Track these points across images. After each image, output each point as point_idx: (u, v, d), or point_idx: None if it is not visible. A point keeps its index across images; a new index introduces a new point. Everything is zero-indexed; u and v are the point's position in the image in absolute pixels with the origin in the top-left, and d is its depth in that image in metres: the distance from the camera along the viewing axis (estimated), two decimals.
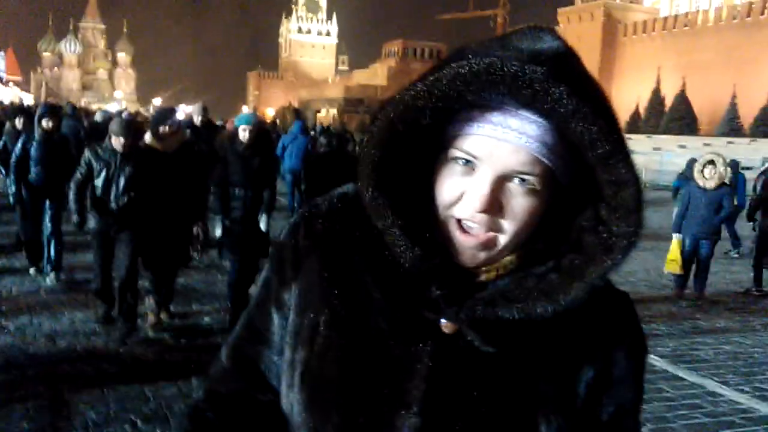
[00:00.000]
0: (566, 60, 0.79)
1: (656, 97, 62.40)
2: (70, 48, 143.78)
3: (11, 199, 7.27)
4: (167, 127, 5.51)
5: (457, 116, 0.82)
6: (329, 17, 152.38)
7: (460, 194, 0.81)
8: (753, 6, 68.46)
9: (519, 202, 0.81)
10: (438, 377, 0.84)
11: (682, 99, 57.73)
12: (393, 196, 0.84)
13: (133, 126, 5.62)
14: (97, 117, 18.90)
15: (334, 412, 0.87)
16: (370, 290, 0.88)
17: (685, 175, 12.12)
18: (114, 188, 5.24)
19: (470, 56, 0.78)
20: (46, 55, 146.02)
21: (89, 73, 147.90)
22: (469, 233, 0.82)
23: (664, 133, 53.24)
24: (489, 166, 0.80)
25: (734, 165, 12.12)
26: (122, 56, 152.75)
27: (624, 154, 0.78)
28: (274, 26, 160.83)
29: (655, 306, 7.81)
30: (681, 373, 5.47)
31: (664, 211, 12.52)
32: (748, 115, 53.96)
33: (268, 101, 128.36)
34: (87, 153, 5.37)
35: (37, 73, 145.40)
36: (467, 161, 0.81)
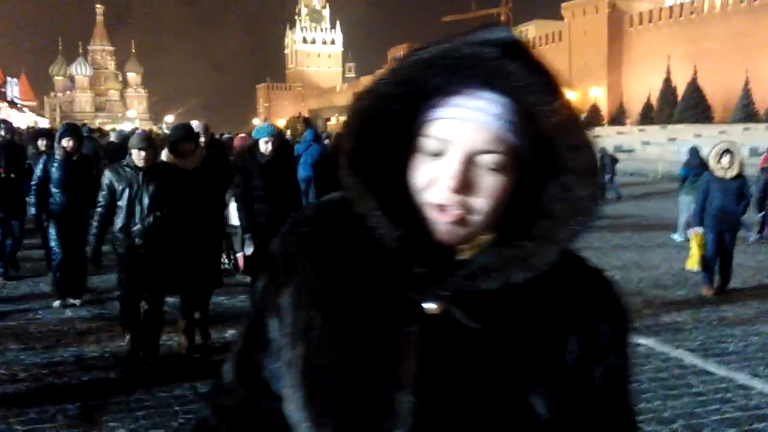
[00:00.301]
0: (516, 45, 0.85)
1: (668, 87, 61.89)
2: (80, 71, 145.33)
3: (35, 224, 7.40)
4: (187, 144, 5.36)
5: (424, 104, 0.88)
6: (333, 26, 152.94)
7: (432, 178, 0.86)
8: None
9: (488, 179, 0.85)
10: (429, 357, 0.87)
11: (694, 87, 57.24)
12: (373, 183, 0.89)
13: (152, 139, 5.49)
14: (113, 137, 19.09)
15: (333, 402, 0.90)
16: (358, 282, 0.92)
17: (690, 164, 12.20)
18: (138, 208, 5.08)
19: (431, 45, 0.86)
20: (58, 78, 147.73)
21: (101, 94, 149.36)
22: (444, 212, 0.86)
23: (678, 122, 52.79)
24: (457, 147, 0.85)
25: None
26: (132, 76, 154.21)
27: (577, 122, 0.85)
28: (279, 38, 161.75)
29: (680, 299, 7.74)
30: (710, 367, 5.41)
31: None
32: (762, 100, 53.48)
33: (278, 112, 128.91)
34: (108, 174, 5.19)
35: (50, 97, 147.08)
36: (438, 147, 0.86)
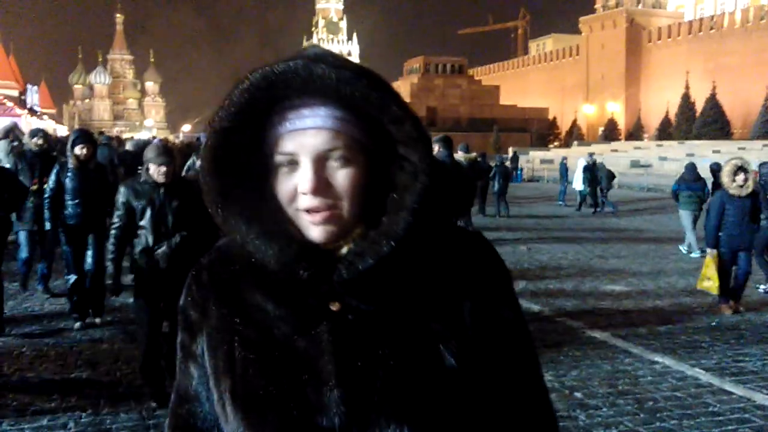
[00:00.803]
0: (323, 54, 0.95)
1: (686, 103, 61.38)
2: (99, 79, 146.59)
3: (25, 245, 7.09)
4: None
5: (266, 125, 0.97)
6: (350, 38, 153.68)
7: (294, 189, 0.95)
8: None
9: (341, 174, 0.94)
10: (342, 348, 0.95)
11: (713, 103, 56.70)
12: (243, 211, 0.97)
13: (172, 151, 4.88)
14: (129, 146, 19.18)
15: (268, 418, 0.96)
16: (264, 306, 1.00)
17: (684, 179, 12.48)
18: (163, 228, 4.53)
19: (248, 75, 0.95)
20: (77, 87, 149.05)
21: (119, 103, 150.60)
22: (313, 215, 0.95)
23: (697, 138, 52.37)
24: (304, 155, 0.93)
25: (716, 167, 12.99)
26: (150, 85, 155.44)
27: (393, 98, 0.94)
28: (296, 49, 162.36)
29: (697, 316, 7.64)
30: (727, 387, 5.33)
31: (700, 219, 12.28)
32: None
33: None
34: (123, 191, 4.57)
35: (69, 105, 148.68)
36: (290, 161, 0.95)
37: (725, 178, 7.88)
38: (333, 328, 0.96)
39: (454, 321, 0.99)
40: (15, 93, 68.19)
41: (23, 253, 7.82)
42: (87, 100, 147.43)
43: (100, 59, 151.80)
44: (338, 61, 0.94)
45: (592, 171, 20.18)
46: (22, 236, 7.74)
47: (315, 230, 0.96)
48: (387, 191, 0.97)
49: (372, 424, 0.94)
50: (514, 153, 38.28)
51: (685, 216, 12.30)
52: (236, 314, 1.01)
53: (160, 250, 4.51)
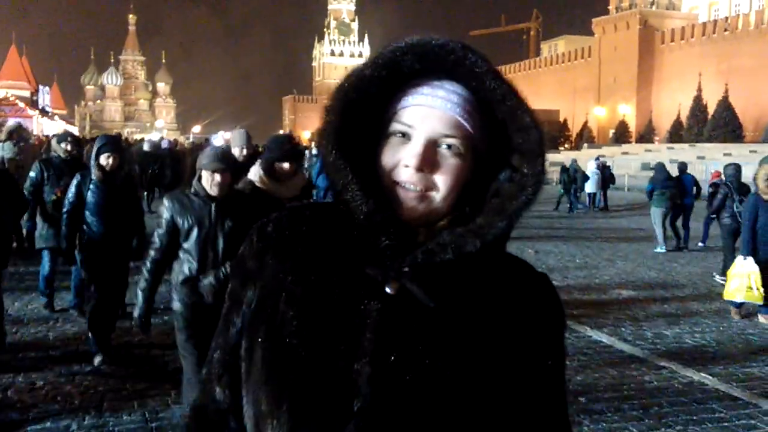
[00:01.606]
0: (473, 47, 0.99)
1: (698, 105, 60.93)
2: (111, 80, 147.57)
3: (47, 262, 6.58)
4: (288, 165, 3.95)
5: (398, 94, 1.00)
6: (361, 39, 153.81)
7: (398, 160, 0.97)
8: None
9: (448, 162, 0.97)
10: (385, 331, 0.94)
11: (725, 106, 56.24)
12: (351, 160, 0.98)
13: (229, 156, 4.01)
14: (146, 147, 19.23)
15: (291, 378, 0.95)
16: (321, 268, 0.99)
17: (656, 179, 13.28)
18: (211, 253, 3.70)
19: (407, 38, 0.99)
20: (89, 88, 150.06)
21: (130, 104, 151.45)
22: (407, 190, 0.97)
23: (708, 141, 51.97)
24: (421, 131, 0.96)
25: (682, 167, 14.12)
26: (162, 86, 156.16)
27: (527, 107, 0.98)
28: (307, 51, 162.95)
29: (704, 321, 7.58)
30: (734, 392, 5.28)
31: (714, 222, 12.20)
32: None
33: (304, 125, 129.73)
34: (168, 204, 3.75)
35: (81, 105, 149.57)
36: (404, 133, 0.98)
37: (760, 182, 7.60)
38: (383, 309, 0.95)
39: (502, 347, 0.98)
40: (27, 94, 68.61)
41: (45, 270, 7.07)
42: (98, 101, 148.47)
43: (112, 60, 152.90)
44: (487, 59, 0.98)
45: (581, 172, 21.80)
46: (45, 254, 7.02)
47: (406, 204, 0.97)
48: (482, 194, 1.00)
49: (393, 414, 0.93)
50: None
51: (656, 213, 13.10)
52: (291, 271, 1.01)
53: (205, 281, 3.67)
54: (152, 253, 3.80)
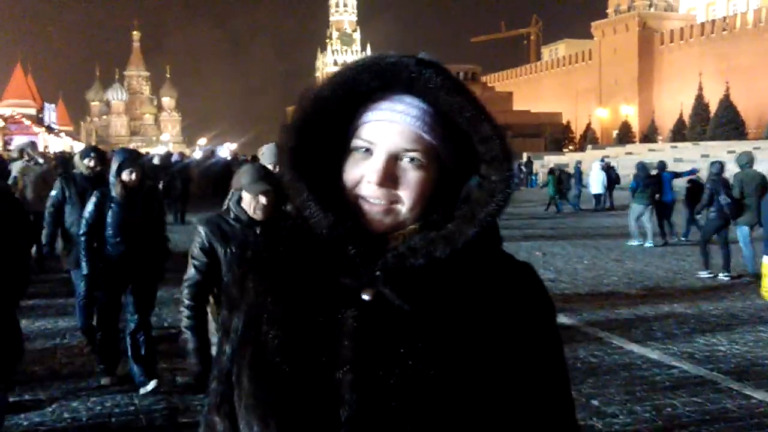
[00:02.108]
0: (433, 60, 1.00)
1: (700, 104, 60.80)
2: (116, 96, 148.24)
3: (81, 284, 5.75)
4: None
5: (357, 111, 1.00)
6: (363, 49, 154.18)
7: (361, 176, 0.98)
8: None
9: (410, 175, 0.98)
10: (364, 337, 0.95)
11: (726, 104, 56.08)
12: (309, 179, 1.00)
13: (274, 177, 3.37)
14: (156, 161, 19.34)
15: (279, 394, 0.96)
16: (297, 283, 1.01)
17: (638, 177, 14.07)
18: None
19: (362, 58, 1.01)
20: (94, 104, 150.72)
21: (136, 118, 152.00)
22: (372, 204, 0.98)
23: (711, 139, 51.77)
24: (382, 147, 0.97)
25: (661, 165, 14.84)
26: (167, 100, 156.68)
27: (486, 116, 0.98)
28: (310, 61, 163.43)
29: (714, 317, 7.54)
30: (747, 391, 5.23)
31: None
32: None
33: None
34: (204, 232, 3.36)
35: (87, 121, 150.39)
36: (366, 149, 0.98)
37: None
38: (360, 315, 0.96)
39: (487, 344, 0.98)
40: (32, 111, 68.93)
41: (80, 291, 6.18)
42: (104, 117, 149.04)
43: (117, 76, 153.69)
44: (445, 71, 0.98)
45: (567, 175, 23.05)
46: (75, 276, 6.26)
47: (371, 218, 0.98)
48: (452, 199, 1.01)
49: (382, 420, 0.93)
50: (528, 158, 38.15)
51: (636, 209, 13.87)
52: (270, 292, 1.02)
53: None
54: (189, 288, 3.33)
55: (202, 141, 73.01)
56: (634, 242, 13.78)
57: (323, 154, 1.02)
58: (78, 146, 57.40)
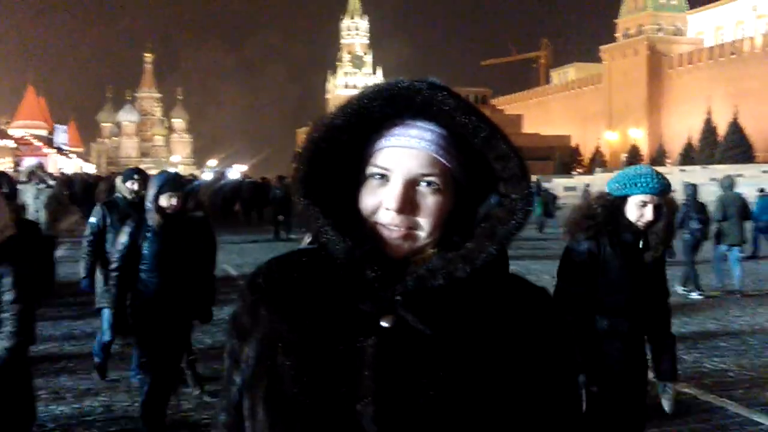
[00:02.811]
0: (442, 84, 1.00)
1: (708, 128, 60.87)
2: (127, 117, 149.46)
3: (106, 323, 5.41)
4: None
5: (371, 138, 1.00)
6: (374, 71, 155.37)
7: (379, 202, 0.98)
8: None
9: (428, 200, 0.97)
10: (385, 366, 0.93)
11: (735, 128, 56.15)
12: (324, 205, 0.99)
13: None
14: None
15: (296, 422, 0.94)
16: (314, 311, 0.98)
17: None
18: None
19: (374, 85, 1.01)
20: (105, 125, 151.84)
21: (147, 140, 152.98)
22: (391, 231, 0.97)
23: (720, 163, 51.77)
24: (398, 173, 0.97)
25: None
26: (178, 122, 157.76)
27: (501, 135, 0.98)
28: (321, 83, 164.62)
29: (723, 345, 7.49)
30: (756, 417, 5.19)
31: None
32: None
33: None
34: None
35: (97, 143, 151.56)
36: (382, 175, 0.98)
37: None
38: (380, 342, 0.94)
39: (506, 368, 0.97)
40: (44, 132, 69.62)
41: (105, 335, 5.82)
42: (115, 138, 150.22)
43: (129, 97, 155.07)
44: (455, 94, 0.99)
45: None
46: (106, 312, 5.71)
47: (391, 243, 0.98)
48: (470, 220, 1.00)
49: None
50: (537, 180, 38.16)
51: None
52: (285, 319, 1.00)
53: None
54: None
55: (213, 162, 73.52)
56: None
57: (337, 182, 1.02)
58: (88, 167, 57.77)
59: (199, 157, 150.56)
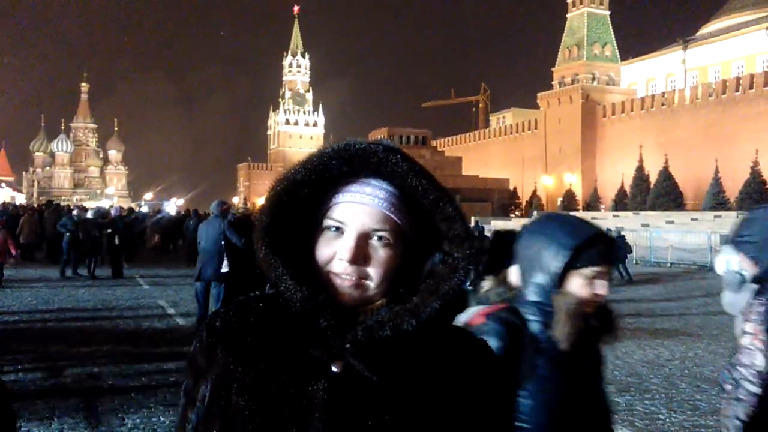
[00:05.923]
0: (397, 147, 1.09)
1: (640, 175, 63.25)
2: (61, 147, 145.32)
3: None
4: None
5: (328, 192, 1.09)
6: (315, 109, 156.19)
7: (333, 253, 1.06)
8: (727, 84, 70.45)
9: (379, 253, 1.05)
10: (334, 410, 1.00)
11: (666, 176, 58.50)
12: (283, 255, 1.07)
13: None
14: (89, 214, 19.06)
15: None
16: (268, 355, 1.05)
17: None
18: None
19: (333, 144, 1.10)
20: (38, 155, 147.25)
21: (81, 171, 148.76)
22: (343, 280, 1.05)
23: (651, 209, 53.79)
24: (352, 226, 1.05)
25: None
26: (113, 153, 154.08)
27: (449, 198, 1.07)
28: (263, 119, 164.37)
29: (653, 386, 7.70)
30: None
31: (656, 289, 12.50)
32: (732, 188, 54.84)
33: (258, 192, 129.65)
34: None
35: (29, 172, 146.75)
36: (337, 228, 1.06)
37: None
38: (330, 388, 1.01)
39: (448, 415, 1.04)
40: None
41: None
42: (47, 168, 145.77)
43: (63, 127, 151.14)
44: (409, 157, 1.08)
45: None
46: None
47: (342, 292, 1.05)
48: (416, 274, 1.09)
49: None
50: (476, 222, 38.78)
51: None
52: (240, 362, 1.06)
53: None
54: None
55: (149, 195, 72.04)
56: None
57: (296, 232, 1.09)
58: (18, 197, 55.84)
59: (135, 189, 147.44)
